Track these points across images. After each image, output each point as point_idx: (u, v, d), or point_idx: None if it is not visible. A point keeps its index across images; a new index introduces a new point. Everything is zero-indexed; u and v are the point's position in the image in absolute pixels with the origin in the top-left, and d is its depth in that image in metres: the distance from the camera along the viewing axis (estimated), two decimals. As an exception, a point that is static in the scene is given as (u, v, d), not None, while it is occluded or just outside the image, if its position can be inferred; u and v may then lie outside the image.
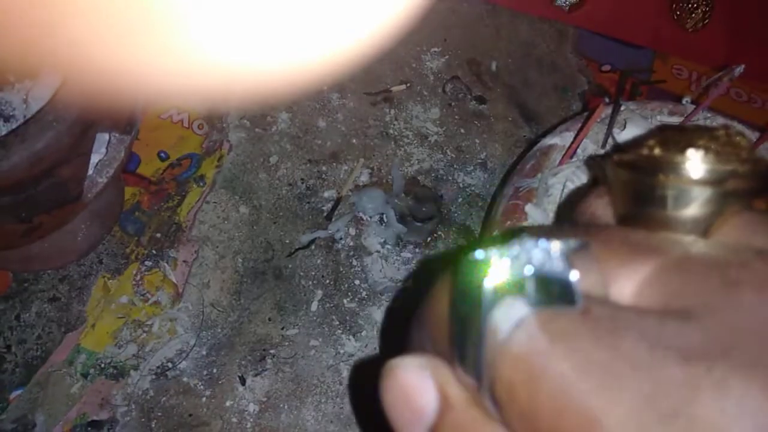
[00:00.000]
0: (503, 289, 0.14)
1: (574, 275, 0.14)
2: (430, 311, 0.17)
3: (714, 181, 0.17)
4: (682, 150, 0.17)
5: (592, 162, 0.46)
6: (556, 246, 0.15)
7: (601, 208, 0.20)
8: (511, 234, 0.15)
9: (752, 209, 0.17)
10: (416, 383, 0.15)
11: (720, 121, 0.54)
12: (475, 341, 0.14)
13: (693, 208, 0.17)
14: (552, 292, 0.14)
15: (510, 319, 0.14)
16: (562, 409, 0.13)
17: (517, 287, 0.14)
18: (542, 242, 0.15)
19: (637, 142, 0.19)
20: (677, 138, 0.17)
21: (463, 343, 0.15)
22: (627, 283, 0.15)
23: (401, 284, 0.63)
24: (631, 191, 0.18)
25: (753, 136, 0.53)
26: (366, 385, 0.58)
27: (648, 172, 0.18)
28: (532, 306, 0.14)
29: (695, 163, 0.17)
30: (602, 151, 0.51)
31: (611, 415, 0.12)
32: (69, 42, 0.09)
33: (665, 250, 0.16)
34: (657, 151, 0.18)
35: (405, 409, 0.16)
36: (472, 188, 0.68)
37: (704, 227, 0.17)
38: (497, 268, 0.14)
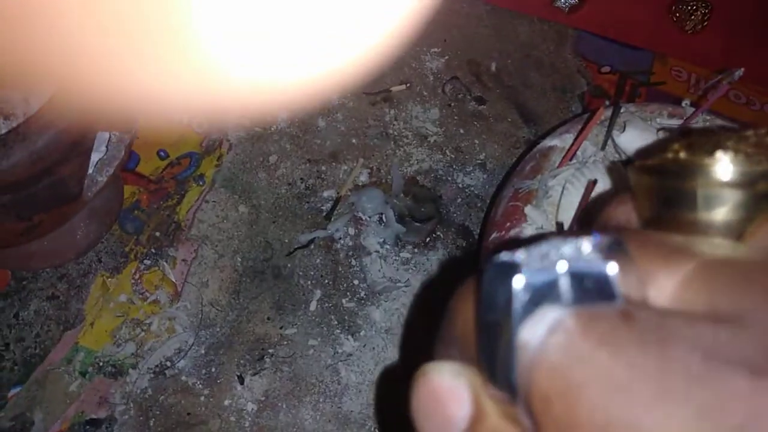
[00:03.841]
0: (534, 290, 0.13)
1: (612, 268, 0.13)
2: (455, 319, 0.16)
3: (746, 183, 0.16)
4: (711, 152, 0.16)
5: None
6: (588, 243, 0.14)
7: (625, 216, 0.19)
8: (532, 239, 0.14)
9: None
10: (451, 390, 0.15)
11: (719, 123, 0.54)
12: (506, 350, 0.13)
13: (724, 212, 0.16)
14: (588, 289, 0.13)
15: (544, 322, 0.13)
16: (604, 424, 0.11)
17: (549, 288, 0.13)
18: (573, 240, 0.14)
19: (659, 147, 0.18)
20: (704, 140, 0.17)
21: (493, 352, 0.14)
22: (667, 284, 0.14)
23: (401, 285, 0.63)
24: (658, 197, 0.18)
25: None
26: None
27: (675, 177, 0.17)
28: (568, 306, 0.13)
29: (725, 165, 0.16)
30: (605, 156, 0.51)
31: (665, 431, 0.11)
32: (68, 51, 0.09)
33: (706, 251, 0.15)
34: (683, 154, 0.17)
35: (435, 416, 0.15)
36: (471, 189, 0.68)
37: (737, 232, 0.16)
38: (526, 268, 0.13)
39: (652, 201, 0.18)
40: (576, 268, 0.13)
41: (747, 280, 0.14)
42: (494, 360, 0.14)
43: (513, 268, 0.13)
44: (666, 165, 0.17)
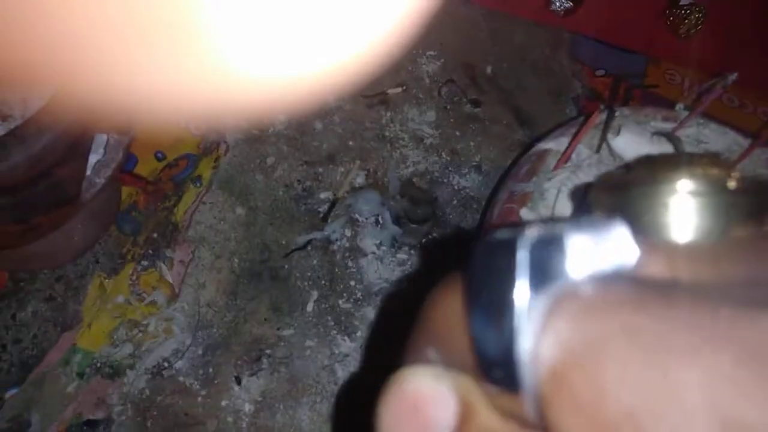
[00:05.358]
0: (540, 262, 0.12)
1: (621, 231, 0.13)
2: (434, 316, 0.15)
3: (709, 192, 0.16)
4: (672, 168, 0.16)
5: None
6: (589, 217, 0.13)
7: None
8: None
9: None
10: (431, 394, 0.13)
11: (713, 127, 0.55)
12: (507, 330, 0.12)
13: (688, 223, 0.17)
14: (597, 257, 0.12)
15: (551, 293, 0.12)
16: (636, 384, 0.10)
17: (556, 260, 0.12)
18: (574, 219, 0.13)
19: (617, 172, 0.18)
20: (662, 161, 0.17)
21: (490, 338, 0.12)
22: (657, 268, 0.13)
23: (397, 285, 0.63)
24: (621, 215, 0.18)
25: (745, 142, 0.53)
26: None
27: (636, 192, 0.17)
28: (578, 277, 0.12)
29: (686, 179, 0.16)
30: (600, 159, 0.51)
31: (714, 372, 0.10)
32: (66, 52, 0.09)
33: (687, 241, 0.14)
34: (643, 172, 0.17)
35: (414, 424, 0.14)
36: (467, 191, 0.69)
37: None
38: (528, 241, 0.12)
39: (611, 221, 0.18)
40: (583, 237, 0.12)
41: (748, 253, 0.13)
42: (491, 346, 0.12)
43: (513, 242, 0.12)
44: (627, 182, 0.17)
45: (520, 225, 0.13)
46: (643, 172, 0.17)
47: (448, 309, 0.14)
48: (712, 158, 0.17)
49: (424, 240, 0.66)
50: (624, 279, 0.12)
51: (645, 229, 0.17)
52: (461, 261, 0.14)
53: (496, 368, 0.12)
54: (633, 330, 0.10)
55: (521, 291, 0.12)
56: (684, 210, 0.17)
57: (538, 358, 0.11)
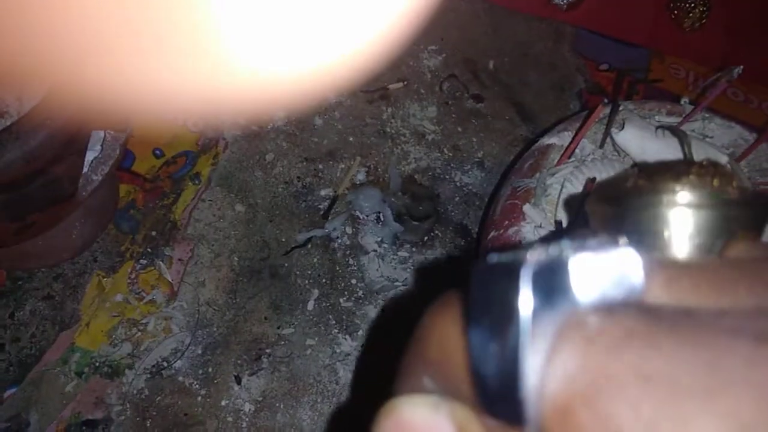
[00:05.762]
0: (543, 290, 0.11)
1: (626, 252, 0.12)
2: (429, 342, 0.14)
3: (707, 206, 0.15)
4: (672, 178, 0.16)
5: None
6: (594, 238, 0.12)
7: None
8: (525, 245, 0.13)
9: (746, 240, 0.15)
10: (428, 425, 0.13)
11: (718, 121, 0.54)
12: (510, 361, 0.11)
13: (689, 236, 0.16)
14: (602, 284, 0.12)
15: (555, 324, 0.11)
16: (650, 428, 0.10)
17: (558, 286, 0.11)
18: (575, 237, 0.12)
19: (615, 180, 0.17)
20: (662, 170, 0.16)
21: (490, 369, 0.12)
22: (657, 291, 0.13)
23: (398, 284, 0.62)
24: (617, 225, 0.17)
25: (750, 136, 0.53)
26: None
27: (635, 202, 0.16)
28: (582, 304, 0.11)
29: (687, 189, 0.16)
30: (604, 153, 0.51)
31: (734, 417, 0.09)
32: (61, 49, 0.09)
33: (686, 258, 0.14)
34: (642, 182, 0.16)
35: None
36: (469, 187, 0.68)
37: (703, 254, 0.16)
38: (531, 265, 0.11)
39: (609, 232, 0.17)
40: (586, 259, 0.12)
41: (752, 277, 0.12)
42: (493, 377, 0.12)
43: (515, 267, 0.11)
44: (626, 192, 0.16)
45: (520, 247, 0.12)
46: (640, 182, 0.16)
47: (444, 335, 0.13)
48: (712, 166, 0.16)
49: (425, 237, 0.65)
50: (629, 306, 0.11)
51: (643, 242, 0.16)
52: (457, 281, 0.13)
53: (497, 400, 0.12)
54: (645, 370, 0.10)
55: (524, 320, 0.11)
56: (683, 224, 0.16)
57: (542, 392, 0.11)
